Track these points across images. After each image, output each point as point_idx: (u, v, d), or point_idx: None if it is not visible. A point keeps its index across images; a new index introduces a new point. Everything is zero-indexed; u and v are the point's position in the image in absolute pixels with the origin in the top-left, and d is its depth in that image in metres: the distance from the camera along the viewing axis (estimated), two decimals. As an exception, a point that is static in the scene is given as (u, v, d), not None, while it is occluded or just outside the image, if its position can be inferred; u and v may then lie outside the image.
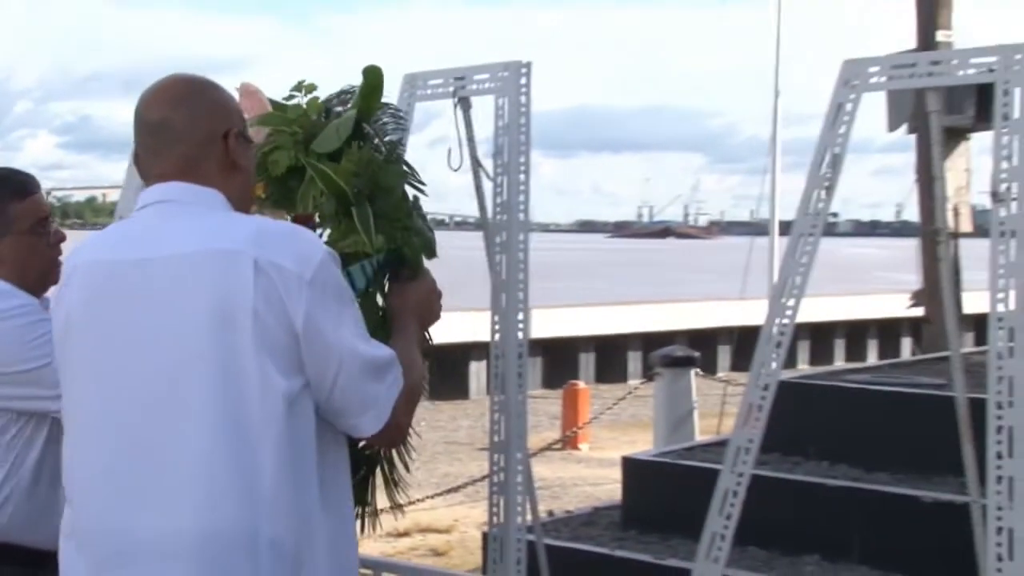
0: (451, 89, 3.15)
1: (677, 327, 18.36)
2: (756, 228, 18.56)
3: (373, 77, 2.53)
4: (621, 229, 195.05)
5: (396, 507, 2.61)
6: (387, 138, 2.56)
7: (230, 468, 1.93)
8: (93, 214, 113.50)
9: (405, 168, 2.56)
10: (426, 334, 2.44)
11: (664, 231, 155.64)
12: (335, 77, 2.79)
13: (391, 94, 2.78)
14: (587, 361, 18.16)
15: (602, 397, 13.16)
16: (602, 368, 18.24)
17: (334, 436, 2.07)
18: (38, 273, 2.72)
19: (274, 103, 2.61)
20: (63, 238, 2.78)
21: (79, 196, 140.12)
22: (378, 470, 2.55)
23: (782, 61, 17.54)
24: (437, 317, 2.47)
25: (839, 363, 19.34)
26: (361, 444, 2.36)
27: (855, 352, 21.14)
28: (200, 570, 1.91)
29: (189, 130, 2.09)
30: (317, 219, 2.51)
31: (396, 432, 2.13)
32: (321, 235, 2.48)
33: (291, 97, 2.59)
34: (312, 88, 2.59)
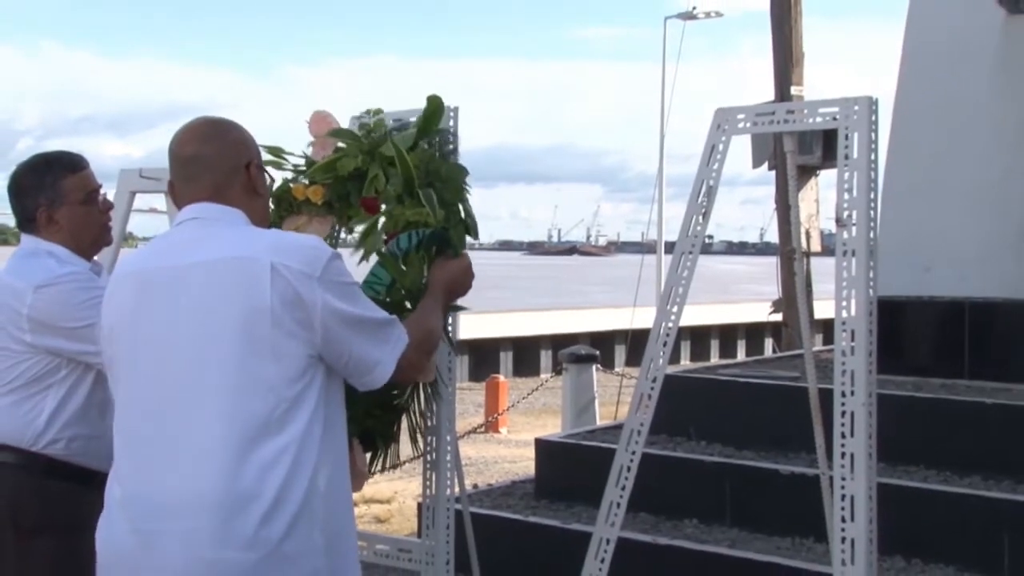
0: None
1: (581, 329, 18.48)
2: (646, 247, 18.71)
3: (434, 104, 2.64)
4: (534, 248, 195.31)
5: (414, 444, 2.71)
6: (438, 155, 2.65)
7: (244, 441, 1.92)
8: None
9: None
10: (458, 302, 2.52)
11: (570, 250, 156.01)
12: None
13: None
14: (506, 358, 18.19)
15: (519, 388, 13.16)
16: (519, 364, 18.29)
17: (337, 405, 2.07)
18: (91, 238, 2.67)
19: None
20: (111, 206, 2.75)
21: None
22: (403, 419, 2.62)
23: (667, 109, 17.77)
24: (466, 291, 2.51)
25: (714, 359, 19.60)
26: (394, 392, 2.46)
27: (727, 350, 21.44)
28: (216, 523, 1.90)
29: (217, 162, 2.09)
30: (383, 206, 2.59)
31: (409, 371, 2.15)
32: (386, 211, 2.57)
33: (360, 117, 2.68)
34: (379, 112, 2.73)
